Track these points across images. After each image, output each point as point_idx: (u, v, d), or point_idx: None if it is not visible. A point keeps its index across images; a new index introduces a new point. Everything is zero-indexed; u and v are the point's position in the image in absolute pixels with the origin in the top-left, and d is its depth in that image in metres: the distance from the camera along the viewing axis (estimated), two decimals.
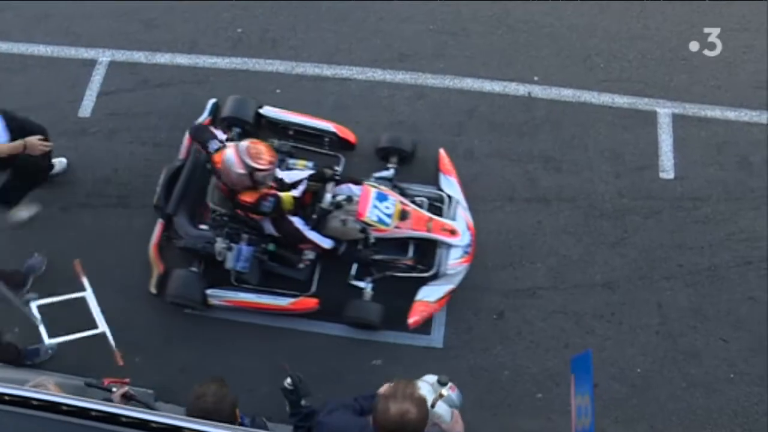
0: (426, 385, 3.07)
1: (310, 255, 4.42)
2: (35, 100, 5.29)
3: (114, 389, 3.30)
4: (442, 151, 4.83)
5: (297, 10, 5.59)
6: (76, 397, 2.07)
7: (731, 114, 5.17)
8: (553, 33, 5.50)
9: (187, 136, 4.75)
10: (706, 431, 4.30)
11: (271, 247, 4.43)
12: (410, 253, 4.49)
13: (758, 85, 5.24)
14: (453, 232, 4.43)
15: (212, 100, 4.95)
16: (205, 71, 5.40)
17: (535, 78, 5.33)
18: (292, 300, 4.39)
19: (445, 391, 3.06)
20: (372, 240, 4.40)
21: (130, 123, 5.26)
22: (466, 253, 4.45)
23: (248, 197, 4.14)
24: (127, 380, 3.41)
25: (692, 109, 5.18)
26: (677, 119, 5.16)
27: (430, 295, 4.38)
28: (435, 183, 4.77)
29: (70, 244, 4.87)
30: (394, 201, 4.40)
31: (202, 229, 4.46)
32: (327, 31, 5.50)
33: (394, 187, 4.59)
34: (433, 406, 2.99)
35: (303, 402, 3.14)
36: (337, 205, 4.33)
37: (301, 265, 4.45)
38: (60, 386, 2.94)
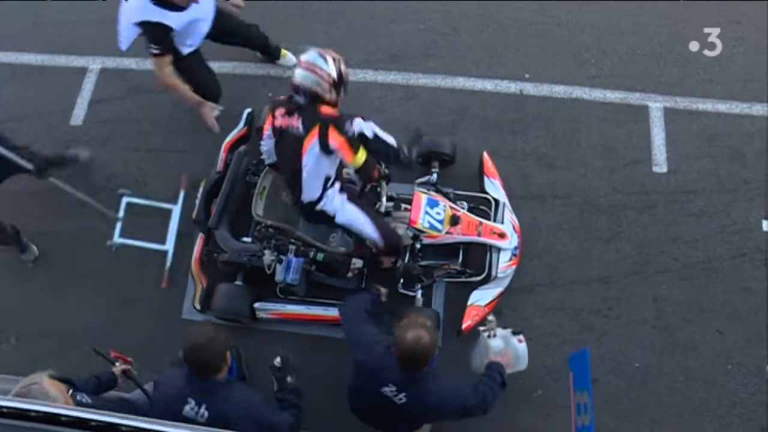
0: (500, 331, 3.73)
1: (357, 263, 4.35)
2: (26, 109, 5.30)
3: (117, 364, 3.52)
4: (485, 154, 4.80)
5: (287, 11, 5.58)
6: (75, 408, 2.07)
7: (722, 106, 5.18)
8: (543, 30, 5.51)
9: (223, 148, 4.70)
10: (705, 423, 4.31)
11: (319, 257, 4.34)
12: (460, 258, 4.47)
13: (749, 78, 5.25)
14: (502, 236, 4.44)
15: (247, 110, 4.88)
16: None
17: (526, 75, 5.34)
18: None
19: (500, 331, 3.71)
20: (418, 247, 4.37)
21: (122, 130, 5.25)
22: (514, 255, 4.47)
23: (330, 110, 3.72)
24: (130, 359, 3.57)
25: (684, 103, 5.20)
26: (669, 113, 5.17)
27: (481, 299, 4.37)
28: (471, 185, 4.79)
29: (64, 252, 4.87)
30: (445, 206, 4.37)
31: (245, 242, 4.41)
32: (317, 32, 5.50)
33: (438, 192, 4.56)
34: (489, 337, 3.68)
35: (289, 379, 3.51)
36: (386, 213, 4.29)
37: (350, 275, 4.39)
38: (54, 380, 2.94)
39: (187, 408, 3.08)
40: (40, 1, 5.78)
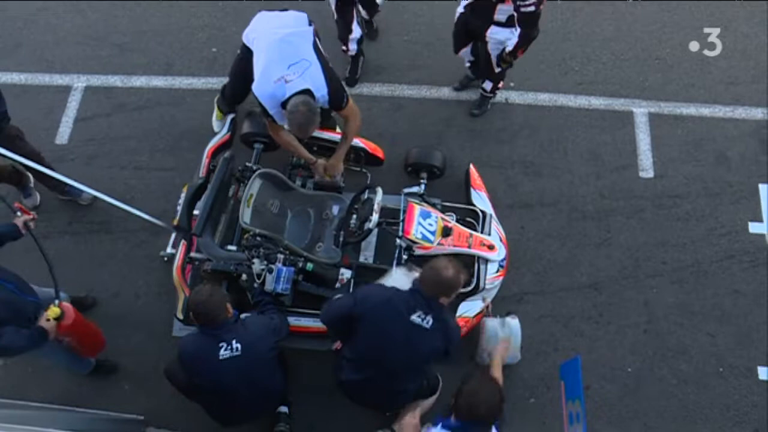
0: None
1: (346, 273, 4.29)
2: None
3: (18, 214, 3.68)
4: (472, 167, 4.80)
5: None
6: None
7: (706, 111, 5.24)
8: None
9: (206, 154, 4.60)
10: (698, 426, 4.33)
11: (309, 266, 4.28)
12: None
13: (730, 81, 5.32)
14: (491, 248, 4.42)
15: (231, 116, 4.81)
16: (182, 92, 5.38)
17: (511, 84, 5.37)
18: None
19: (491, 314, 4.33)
20: (405, 258, 4.34)
21: (108, 148, 5.22)
22: (501, 266, 4.45)
23: None
24: (33, 214, 3.72)
25: (668, 108, 5.25)
26: (653, 118, 5.22)
27: (469, 310, 4.34)
28: (457, 196, 4.79)
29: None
30: (437, 218, 4.36)
31: (230, 250, 4.34)
32: None
33: (425, 202, 4.53)
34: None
35: (255, 285, 4.07)
36: (379, 225, 4.25)
37: (338, 285, 4.31)
38: None
39: (222, 351, 3.53)
40: (23, 20, 5.76)
